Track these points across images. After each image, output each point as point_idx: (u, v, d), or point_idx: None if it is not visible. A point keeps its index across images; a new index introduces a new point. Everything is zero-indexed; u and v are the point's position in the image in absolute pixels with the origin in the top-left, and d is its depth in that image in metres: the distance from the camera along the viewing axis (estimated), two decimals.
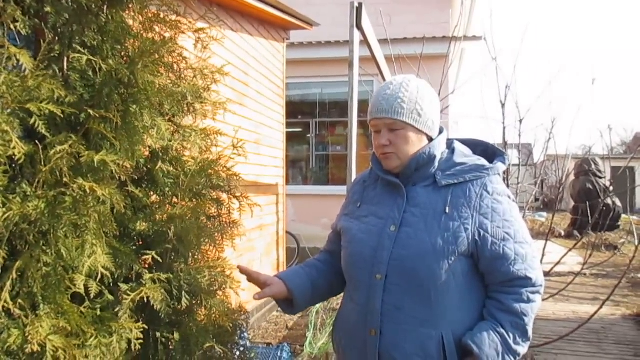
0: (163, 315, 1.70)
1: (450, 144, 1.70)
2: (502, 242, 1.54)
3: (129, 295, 1.60)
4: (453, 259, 1.52)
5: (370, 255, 1.60)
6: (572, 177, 13.95)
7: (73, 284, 1.50)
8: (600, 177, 13.66)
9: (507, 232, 1.55)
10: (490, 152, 1.73)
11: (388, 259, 1.56)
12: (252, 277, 1.72)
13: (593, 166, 13.76)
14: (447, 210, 1.55)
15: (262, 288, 1.71)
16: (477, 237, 1.53)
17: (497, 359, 1.51)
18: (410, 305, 1.54)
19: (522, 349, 1.55)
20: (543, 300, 1.83)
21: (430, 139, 1.66)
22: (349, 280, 1.72)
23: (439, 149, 1.64)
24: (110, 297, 1.62)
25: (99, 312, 1.58)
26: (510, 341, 1.52)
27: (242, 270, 1.74)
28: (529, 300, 1.54)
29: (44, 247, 1.43)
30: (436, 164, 1.62)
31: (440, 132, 1.69)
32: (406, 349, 1.53)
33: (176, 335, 1.80)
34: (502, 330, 1.52)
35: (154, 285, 1.67)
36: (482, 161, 1.64)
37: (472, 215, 1.54)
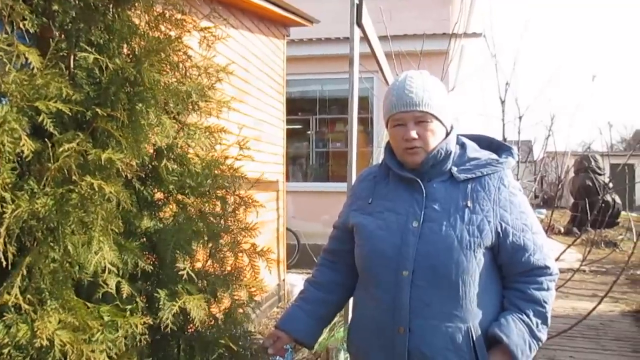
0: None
1: (458, 139, 1.72)
2: (522, 233, 1.58)
3: (135, 293, 1.62)
4: (478, 251, 1.54)
5: (393, 252, 1.58)
6: (571, 174, 13.96)
7: (79, 280, 1.52)
8: (600, 174, 13.65)
9: (524, 224, 1.60)
10: (494, 147, 1.75)
11: (414, 255, 1.56)
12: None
13: (593, 163, 13.75)
14: (469, 204, 1.58)
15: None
16: (499, 230, 1.57)
17: (525, 347, 1.54)
18: (439, 300, 1.55)
19: (544, 335, 1.60)
20: None
21: (447, 134, 1.67)
22: (368, 279, 1.68)
23: (453, 145, 1.66)
24: (116, 293, 1.63)
25: (104, 308, 1.60)
26: (535, 328, 1.56)
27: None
28: (548, 288, 1.60)
29: (52, 244, 1.44)
30: (451, 159, 1.64)
31: (451, 128, 1.70)
32: (436, 344, 1.54)
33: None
34: (527, 319, 1.56)
35: (159, 282, 1.70)
36: (494, 155, 1.68)
37: (493, 209, 1.58)
